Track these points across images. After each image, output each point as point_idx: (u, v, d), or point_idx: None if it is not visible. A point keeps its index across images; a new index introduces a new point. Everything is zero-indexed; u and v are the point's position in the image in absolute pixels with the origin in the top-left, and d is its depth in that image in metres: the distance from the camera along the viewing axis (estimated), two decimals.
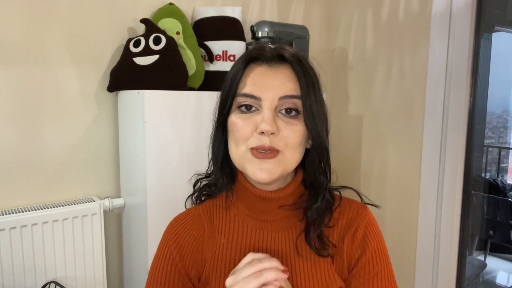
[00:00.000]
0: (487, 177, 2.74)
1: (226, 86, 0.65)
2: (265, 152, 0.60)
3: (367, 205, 0.71)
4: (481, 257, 2.58)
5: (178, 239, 0.68)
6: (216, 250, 0.67)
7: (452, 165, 1.52)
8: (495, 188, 2.52)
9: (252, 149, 0.61)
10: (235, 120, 0.62)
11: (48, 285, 1.20)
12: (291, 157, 0.62)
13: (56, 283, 1.20)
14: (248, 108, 0.62)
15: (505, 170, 2.89)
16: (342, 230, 0.68)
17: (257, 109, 0.61)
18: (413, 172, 1.65)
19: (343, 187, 0.71)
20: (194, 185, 0.74)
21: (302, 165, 0.67)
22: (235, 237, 0.67)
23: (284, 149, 0.61)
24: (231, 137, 0.64)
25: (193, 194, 0.74)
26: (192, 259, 0.67)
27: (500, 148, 2.93)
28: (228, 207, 0.70)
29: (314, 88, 0.62)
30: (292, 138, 0.60)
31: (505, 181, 2.71)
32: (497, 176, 2.91)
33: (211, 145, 0.69)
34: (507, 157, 2.90)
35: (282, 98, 0.60)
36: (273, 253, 0.65)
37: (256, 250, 0.66)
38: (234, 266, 0.64)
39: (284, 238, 0.66)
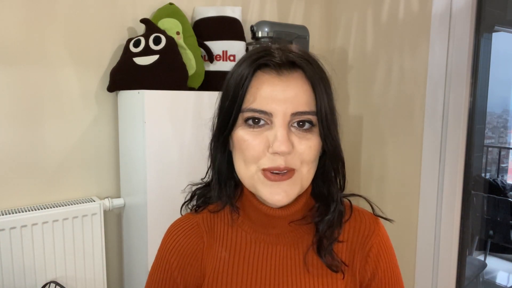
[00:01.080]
0: (487, 177, 2.74)
1: (229, 96, 0.57)
2: (280, 173, 0.55)
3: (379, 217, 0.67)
4: (481, 257, 2.58)
5: (176, 252, 0.64)
6: (217, 264, 0.63)
7: (452, 165, 1.52)
8: (495, 188, 2.52)
9: (264, 170, 0.55)
10: (244, 136, 0.56)
11: (48, 285, 1.20)
12: (307, 173, 0.57)
13: (56, 283, 1.20)
14: (256, 121, 0.55)
15: (505, 170, 2.89)
16: (354, 246, 0.63)
17: (267, 123, 0.55)
18: (413, 172, 1.65)
19: (353, 194, 0.67)
20: (192, 196, 0.69)
21: None
22: (238, 251, 0.63)
23: (300, 167, 0.56)
24: (238, 154, 0.58)
25: (189, 201, 0.69)
26: (191, 273, 0.64)
27: (500, 148, 2.93)
28: (232, 220, 0.65)
29: (329, 95, 0.57)
30: (307, 154, 0.55)
31: (505, 181, 2.71)
32: (497, 176, 2.91)
33: (210, 158, 0.63)
34: (507, 157, 2.90)
35: (294, 114, 0.54)
36: (278, 269, 0.62)
37: (260, 265, 0.62)
38: (236, 281, 0.61)
39: (291, 253, 0.62)
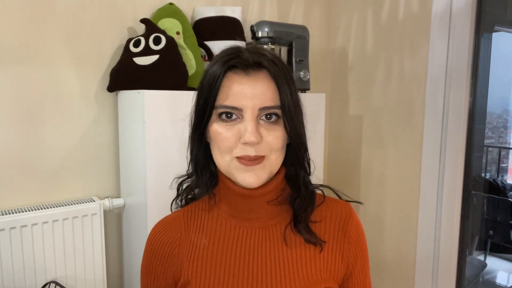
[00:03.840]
0: (487, 177, 2.74)
1: (203, 94, 0.64)
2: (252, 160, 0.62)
3: (349, 202, 0.74)
4: (481, 257, 2.58)
5: (156, 245, 0.70)
6: (196, 251, 0.67)
7: (452, 165, 1.52)
8: (495, 188, 2.52)
9: (238, 158, 0.62)
10: (218, 129, 0.63)
11: (48, 285, 1.20)
12: (276, 159, 0.64)
13: (56, 283, 1.20)
14: (229, 116, 0.62)
15: (505, 170, 2.89)
16: (333, 226, 0.69)
17: (238, 117, 0.62)
18: (413, 172, 1.65)
19: (321, 185, 0.73)
20: (178, 189, 0.75)
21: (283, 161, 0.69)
22: (217, 237, 0.68)
23: (269, 154, 0.63)
24: (214, 145, 0.65)
25: (177, 197, 0.75)
26: (170, 263, 0.69)
27: (500, 148, 2.92)
28: (211, 208, 0.71)
29: (291, 90, 0.63)
30: (275, 144, 0.62)
31: (505, 181, 2.71)
32: (497, 176, 2.91)
33: (189, 149, 0.70)
34: (507, 157, 2.90)
35: (262, 109, 0.61)
36: (258, 249, 0.66)
37: (239, 248, 0.66)
38: (216, 266, 0.65)
39: (270, 234, 0.67)
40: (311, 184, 0.71)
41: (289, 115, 0.62)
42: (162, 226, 0.71)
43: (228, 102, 0.61)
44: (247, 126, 0.60)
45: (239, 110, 0.61)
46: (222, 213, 0.69)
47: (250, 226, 0.68)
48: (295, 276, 0.64)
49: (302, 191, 0.68)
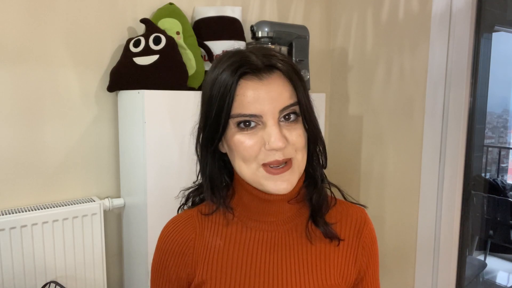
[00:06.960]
0: (487, 177, 2.74)
1: (214, 106, 0.61)
2: (280, 167, 0.60)
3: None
4: (481, 257, 2.58)
5: (170, 242, 0.68)
6: (211, 253, 0.66)
7: (452, 165, 1.52)
8: (495, 188, 2.52)
9: (264, 165, 0.60)
10: (240, 138, 0.60)
11: (48, 285, 1.20)
12: (302, 158, 0.63)
13: (56, 283, 1.20)
14: (247, 124, 0.60)
15: (505, 170, 2.89)
16: (348, 229, 0.69)
17: (258, 124, 0.60)
18: (413, 172, 1.65)
19: (330, 183, 0.72)
20: (187, 198, 0.73)
21: None
22: (233, 239, 0.66)
23: (295, 155, 0.61)
24: (236, 155, 0.62)
25: (185, 204, 0.74)
26: (183, 263, 0.67)
27: (500, 148, 2.93)
28: (227, 219, 0.69)
29: (304, 86, 0.62)
30: (299, 142, 0.61)
31: (505, 181, 2.71)
32: (497, 176, 2.91)
33: (201, 164, 0.68)
34: (507, 157, 2.90)
35: (282, 110, 0.60)
36: (273, 253, 0.65)
37: (255, 250, 0.65)
38: (232, 268, 0.64)
39: (286, 238, 0.66)
40: (326, 177, 0.70)
41: (307, 111, 0.62)
42: (176, 224, 0.70)
43: (245, 110, 0.59)
44: (271, 132, 0.58)
45: (258, 117, 0.59)
46: (238, 215, 0.68)
47: (266, 229, 0.67)
48: (310, 281, 0.64)
49: (319, 185, 0.68)
